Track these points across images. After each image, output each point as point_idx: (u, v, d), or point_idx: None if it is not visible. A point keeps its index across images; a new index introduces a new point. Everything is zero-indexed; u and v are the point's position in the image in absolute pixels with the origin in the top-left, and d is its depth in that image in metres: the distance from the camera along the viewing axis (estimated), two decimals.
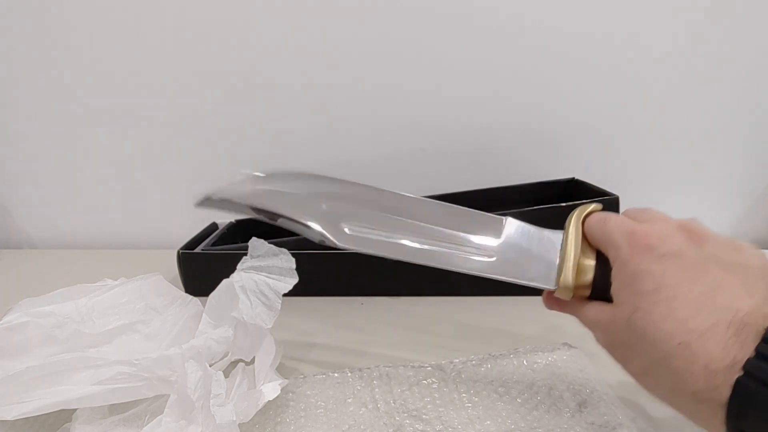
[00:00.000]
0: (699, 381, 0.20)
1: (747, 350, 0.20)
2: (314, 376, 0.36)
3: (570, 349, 0.38)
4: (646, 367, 0.23)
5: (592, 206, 0.30)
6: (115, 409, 0.31)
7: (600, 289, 0.27)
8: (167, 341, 0.37)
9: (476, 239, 0.30)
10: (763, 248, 0.25)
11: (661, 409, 0.32)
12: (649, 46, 0.60)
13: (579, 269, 0.27)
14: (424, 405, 0.33)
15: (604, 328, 0.26)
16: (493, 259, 0.30)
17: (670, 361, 0.21)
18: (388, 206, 0.32)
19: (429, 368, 0.37)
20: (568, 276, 0.27)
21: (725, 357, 0.20)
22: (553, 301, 0.30)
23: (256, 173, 0.33)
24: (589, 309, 0.27)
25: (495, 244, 0.30)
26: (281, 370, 0.37)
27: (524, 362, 0.37)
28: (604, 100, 0.63)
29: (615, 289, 0.25)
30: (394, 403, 0.33)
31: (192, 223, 0.60)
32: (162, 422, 0.27)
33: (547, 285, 0.29)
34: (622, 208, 0.51)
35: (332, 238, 0.31)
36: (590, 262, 0.27)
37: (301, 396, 0.34)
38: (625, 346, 0.24)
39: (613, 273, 0.25)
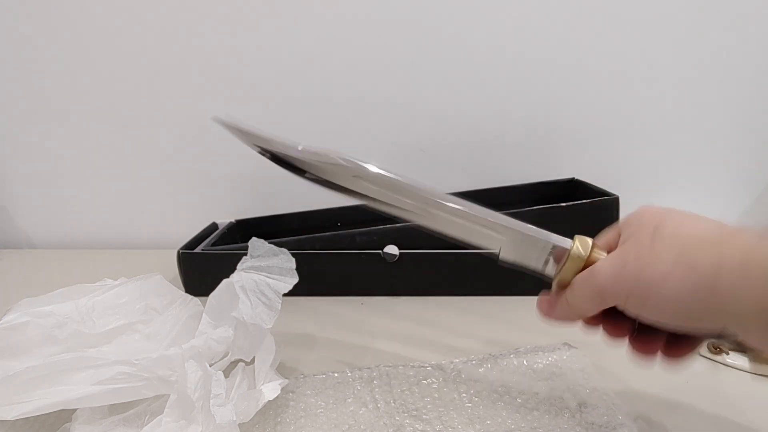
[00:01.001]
0: None
1: None
2: (314, 376, 0.36)
3: (570, 349, 0.38)
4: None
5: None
6: (115, 409, 0.31)
7: None
8: (167, 341, 0.37)
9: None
10: None
11: (661, 409, 0.32)
12: (649, 47, 0.60)
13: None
14: (424, 405, 0.33)
15: (624, 259, 0.25)
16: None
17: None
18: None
19: (429, 368, 0.37)
20: (586, 240, 0.27)
21: None
22: (548, 303, 0.29)
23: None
24: (604, 259, 0.26)
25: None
26: (281, 370, 0.37)
27: (524, 362, 0.37)
28: (604, 101, 0.63)
29: (629, 231, 0.26)
30: (394, 403, 0.33)
31: (192, 223, 0.60)
32: (162, 422, 0.27)
33: (562, 244, 0.28)
34: (622, 208, 0.51)
35: (357, 164, 0.29)
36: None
37: (301, 396, 0.34)
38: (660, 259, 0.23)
39: (623, 237, 0.26)
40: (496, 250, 0.30)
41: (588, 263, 0.27)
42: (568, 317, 0.28)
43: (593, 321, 0.28)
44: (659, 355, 0.27)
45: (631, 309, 0.24)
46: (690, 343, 0.26)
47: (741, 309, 0.21)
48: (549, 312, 0.29)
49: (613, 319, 0.27)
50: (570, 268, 0.27)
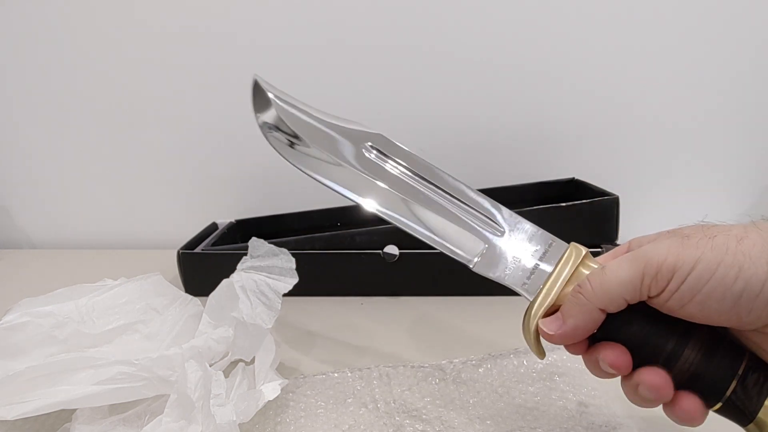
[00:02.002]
0: None
1: None
2: (314, 376, 0.37)
3: None
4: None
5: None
6: (115, 409, 0.31)
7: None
8: (167, 341, 0.37)
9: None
10: None
11: (661, 409, 0.32)
12: (649, 47, 0.60)
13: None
14: (424, 405, 0.33)
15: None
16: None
17: None
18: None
19: (429, 368, 0.37)
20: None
21: None
22: (552, 319, 0.26)
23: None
24: (647, 244, 0.24)
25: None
26: (281, 370, 0.37)
27: (524, 362, 0.37)
28: (604, 101, 0.63)
29: (651, 237, 0.25)
30: (394, 403, 0.33)
31: (192, 223, 0.60)
32: (162, 422, 0.27)
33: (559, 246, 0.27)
34: (622, 208, 0.51)
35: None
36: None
37: (301, 396, 0.34)
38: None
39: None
40: (482, 246, 0.29)
41: (577, 269, 0.26)
42: (580, 320, 0.24)
43: (579, 349, 0.27)
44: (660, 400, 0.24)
45: (690, 284, 0.21)
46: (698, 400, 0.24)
47: None
48: (559, 325, 0.25)
49: (607, 347, 0.25)
50: (562, 271, 0.26)
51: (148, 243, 0.70)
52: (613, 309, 0.24)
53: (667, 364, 0.24)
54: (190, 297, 0.40)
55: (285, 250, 0.38)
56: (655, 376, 0.23)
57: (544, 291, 0.26)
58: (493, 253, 0.28)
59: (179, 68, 0.63)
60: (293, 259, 0.37)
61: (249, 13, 0.60)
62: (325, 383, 0.36)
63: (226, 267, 0.38)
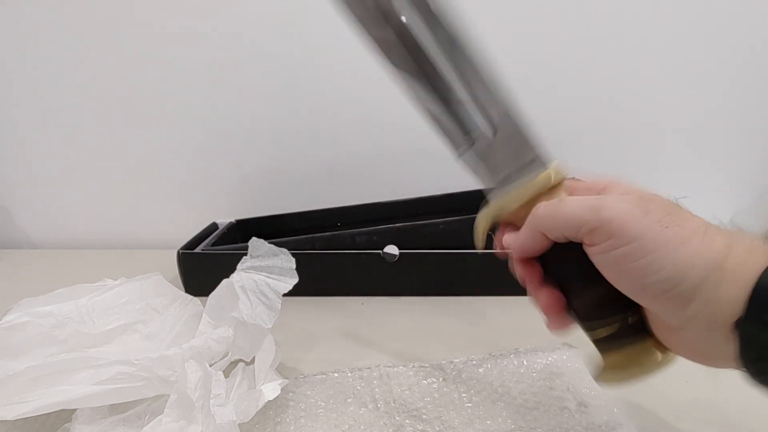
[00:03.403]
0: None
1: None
2: (314, 376, 0.36)
3: (570, 349, 0.38)
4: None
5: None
6: (115, 409, 0.31)
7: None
8: (167, 341, 0.37)
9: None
10: None
11: (661, 409, 0.32)
12: (649, 47, 0.60)
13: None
14: (424, 405, 0.33)
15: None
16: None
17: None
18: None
19: (429, 368, 0.37)
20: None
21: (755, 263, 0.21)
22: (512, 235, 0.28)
23: None
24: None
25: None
26: (281, 370, 0.37)
27: (524, 362, 0.37)
28: (604, 101, 0.63)
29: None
30: (394, 403, 0.33)
31: (192, 223, 0.60)
32: (162, 422, 0.27)
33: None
34: None
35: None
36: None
37: (301, 396, 0.34)
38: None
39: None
40: (472, 135, 0.29)
41: (544, 194, 0.27)
42: (528, 239, 0.27)
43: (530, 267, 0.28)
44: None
45: (619, 255, 0.23)
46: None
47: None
48: (514, 239, 0.28)
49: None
50: (539, 183, 0.28)
51: (148, 243, 0.70)
52: (553, 237, 0.26)
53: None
54: (190, 297, 0.40)
55: (285, 250, 0.38)
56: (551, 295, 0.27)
57: (503, 200, 0.28)
58: (480, 148, 0.29)
59: (180, 68, 0.63)
60: (293, 259, 0.37)
61: (250, 13, 0.60)
62: (325, 383, 0.36)
63: (226, 267, 0.38)
